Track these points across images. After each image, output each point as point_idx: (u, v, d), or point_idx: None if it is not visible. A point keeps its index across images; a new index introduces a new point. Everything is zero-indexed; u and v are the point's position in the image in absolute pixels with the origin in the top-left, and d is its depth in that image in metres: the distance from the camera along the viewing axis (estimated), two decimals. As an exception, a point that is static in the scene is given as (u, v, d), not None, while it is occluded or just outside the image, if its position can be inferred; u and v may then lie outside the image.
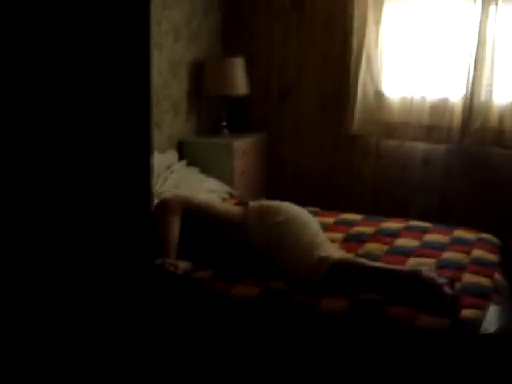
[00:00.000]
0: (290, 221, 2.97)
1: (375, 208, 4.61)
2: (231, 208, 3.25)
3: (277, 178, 5.05)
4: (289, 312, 2.61)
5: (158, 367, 2.74)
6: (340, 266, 2.69)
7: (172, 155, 4.40)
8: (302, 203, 3.34)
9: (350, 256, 2.88)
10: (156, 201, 3.34)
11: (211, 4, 4.84)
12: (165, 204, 3.07)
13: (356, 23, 4.48)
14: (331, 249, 2.91)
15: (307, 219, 3.08)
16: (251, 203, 3.19)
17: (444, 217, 4.27)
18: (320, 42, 4.75)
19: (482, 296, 2.62)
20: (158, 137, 4.34)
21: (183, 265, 2.82)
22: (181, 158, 4.52)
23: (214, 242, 3.01)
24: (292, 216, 3.02)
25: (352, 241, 3.26)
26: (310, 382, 2.56)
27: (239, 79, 4.60)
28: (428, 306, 2.47)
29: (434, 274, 2.59)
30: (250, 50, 4.94)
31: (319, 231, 3.05)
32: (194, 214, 3.06)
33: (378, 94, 4.55)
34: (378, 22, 4.41)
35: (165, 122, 4.42)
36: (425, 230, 3.45)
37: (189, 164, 4.46)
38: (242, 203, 3.53)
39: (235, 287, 2.74)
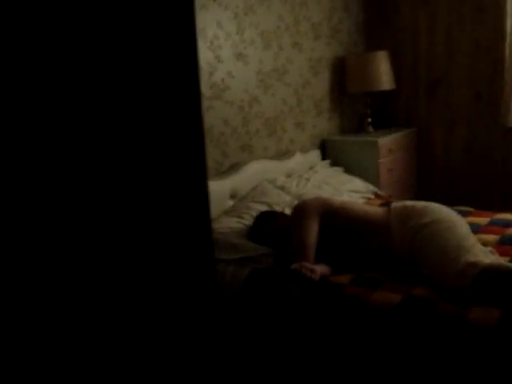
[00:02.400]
0: (437, 223, 2.76)
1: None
2: (373, 210, 3.10)
3: (427, 176, 4.79)
4: (434, 321, 2.42)
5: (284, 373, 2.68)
6: (491, 272, 2.44)
7: (315, 155, 4.32)
8: (455, 203, 3.12)
9: (502, 261, 2.62)
10: (296, 202, 3.28)
11: (352, -2, 4.70)
12: (303, 206, 3.00)
13: (509, 6, 4.13)
14: (482, 253, 2.66)
15: (455, 221, 2.84)
16: (394, 204, 3.01)
17: None
18: (470, 28, 4.43)
19: None
20: (301, 136, 4.29)
21: (321, 269, 2.73)
22: (324, 157, 4.44)
23: (353, 245, 2.88)
24: (438, 217, 2.80)
25: (507, 243, 2.98)
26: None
27: (384, 74, 4.41)
28: None
29: None
30: (394, 42, 4.74)
31: (469, 234, 2.80)
32: (334, 217, 2.95)
33: (538, 80, 4.16)
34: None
35: (307, 122, 4.35)
36: None
37: (332, 163, 4.36)
38: (385, 204, 3.36)
39: (376, 293, 2.59)
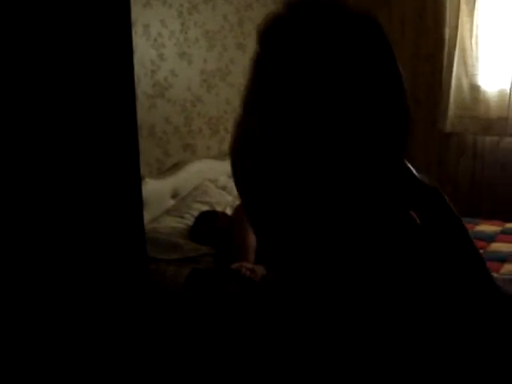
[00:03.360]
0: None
1: (473, 210, 4.35)
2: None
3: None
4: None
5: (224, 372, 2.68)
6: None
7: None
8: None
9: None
10: (237, 203, 3.29)
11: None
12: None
13: (448, 14, 4.25)
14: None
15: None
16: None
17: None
18: (411, 35, 4.54)
19: None
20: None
21: (261, 270, 2.74)
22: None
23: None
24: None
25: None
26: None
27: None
28: None
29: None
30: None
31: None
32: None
33: (474, 88, 4.29)
34: (471, 12, 4.16)
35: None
36: (524, 234, 3.19)
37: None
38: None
39: (315, 293, 2.62)
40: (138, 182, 1.32)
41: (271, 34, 0.79)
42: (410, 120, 0.85)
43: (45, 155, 1.15)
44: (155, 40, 3.44)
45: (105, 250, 1.31)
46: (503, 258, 2.86)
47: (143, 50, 3.32)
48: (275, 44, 0.78)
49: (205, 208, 3.37)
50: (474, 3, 4.14)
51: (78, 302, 1.26)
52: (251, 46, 3.57)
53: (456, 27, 4.22)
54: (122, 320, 1.36)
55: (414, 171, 0.95)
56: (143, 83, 3.34)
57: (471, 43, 4.21)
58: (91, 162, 1.25)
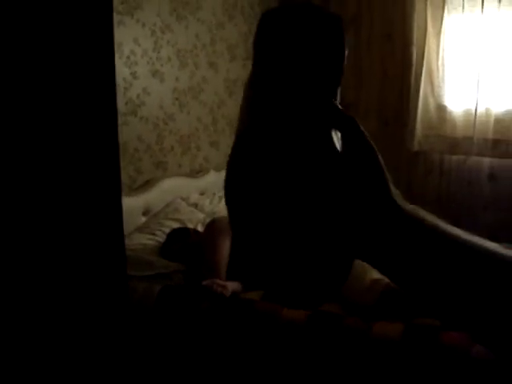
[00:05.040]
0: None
1: (439, 226, 4.43)
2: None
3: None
4: (340, 336, 2.50)
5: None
6: (394, 288, 2.56)
7: (228, 174, 4.37)
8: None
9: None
10: (209, 220, 3.31)
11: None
12: (216, 224, 3.03)
13: (415, 36, 4.36)
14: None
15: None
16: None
17: (514, 235, 4.05)
18: (378, 56, 4.64)
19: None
20: (215, 155, 4.34)
21: (232, 286, 2.76)
22: (237, 176, 4.50)
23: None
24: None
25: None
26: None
27: (296, 96, 4.53)
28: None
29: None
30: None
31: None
32: (245, 234, 3.00)
33: (440, 108, 4.40)
34: (438, 34, 4.28)
35: (222, 141, 4.41)
36: (489, 250, 3.26)
37: (245, 183, 4.42)
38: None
39: (285, 309, 2.65)
40: (118, 199, 1.34)
41: (268, 15, 1.18)
42: (339, 78, 1.22)
43: (23, 169, 1.17)
44: (128, 58, 3.46)
45: (84, 263, 1.32)
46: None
47: (116, 67, 3.34)
48: (269, 21, 1.19)
49: (176, 225, 3.38)
50: (441, 25, 4.25)
51: (52, 315, 1.27)
52: (223, 64, 3.65)
53: (423, 48, 4.34)
54: (97, 333, 1.37)
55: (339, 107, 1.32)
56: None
57: (438, 64, 4.33)
58: (72, 176, 1.27)
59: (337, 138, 1.36)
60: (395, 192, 1.30)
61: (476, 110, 4.22)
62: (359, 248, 1.20)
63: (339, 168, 1.28)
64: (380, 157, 1.32)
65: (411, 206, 1.31)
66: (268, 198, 1.26)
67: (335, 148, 1.31)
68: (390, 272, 1.19)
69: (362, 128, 1.30)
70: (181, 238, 3.11)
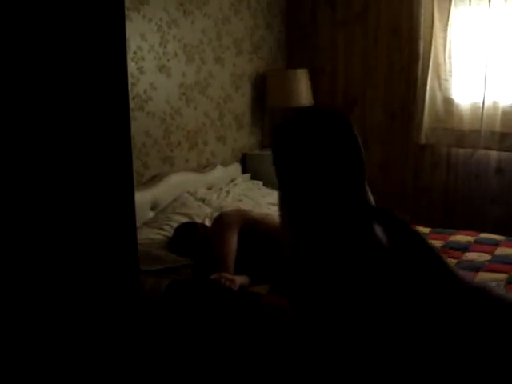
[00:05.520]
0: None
1: (447, 220, 4.43)
2: (291, 221, 3.17)
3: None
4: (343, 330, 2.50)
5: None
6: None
7: (235, 168, 4.38)
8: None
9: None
10: (216, 214, 3.32)
11: (273, 16, 4.82)
12: (224, 218, 3.04)
13: (422, 29, 4.35)
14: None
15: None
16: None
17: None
18: (385, 50, 4.63)
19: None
20: (222, 150, 4.34)
21: (240, 279, 2.77)
22: (244, 171, 4.50)
23: (271, 255, 2.94)
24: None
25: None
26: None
27: (303, 91, 4.53)
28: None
29: (502, 291, 2.43)
30: (313, 61, 4.88)
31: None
32: (253, 228, 3.01)
33: (447, 101, 4.39)
34: (445, 27, 4.26)
35: (228, 136, 4.41)
36: (496, 244, 3.27)
37: (252, 177, 4.43)
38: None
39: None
40: (131, 193, 1.35)
41: (279, 133, 1.34)
42: (363, 172, 1.38)
43: (37, 164, 1.18)
44: (135, 53, 3.47)
45: (96, 259, 1.33)
46: (477, 267, 2.92)
47: (122, 63, 3.35)
48: (283, 137, 1.35)
49: (184, 219, 3.39)
50: (448, 19, 4.24)
51: (64, 310, 1.28)
52: (229, 59, 3.66)
53: (430, 42, 4.32)
54: (109, 328, 1.39)
55: (371, 200, 1.53)
56: (123, 96, 3.36)
57: (444, 57, 4.31)
58: (85, 171, 1.28)
59: (380, 231, 1.49)
60: (457, 272, 1.40)
61: (483, 103, 4.20)
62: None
63: (391, 260, 1.36)
64: (428, 241, 1.43)
65: (477, 282, 1.45)
66: (331, 297, 1.38)
67: (381, 243, 1.42)
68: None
69: (401, 218, 1.47)
70: (188, 232, 3.12)
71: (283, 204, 1.43)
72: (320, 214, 1.36)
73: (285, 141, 1.35)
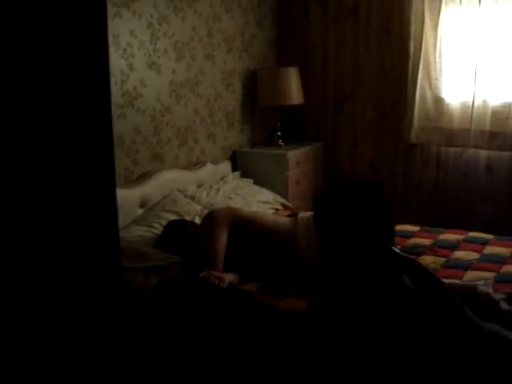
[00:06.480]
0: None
1: (436, 219, 4.45)
2: (280, 219, 3.18)
3: (334, 189, 4.94)
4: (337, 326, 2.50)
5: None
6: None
7: (225, 166, 4.38)
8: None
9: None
10: (206, 212, 3.31)
11: (264, 14, 4.81)
12: (213, 215, 3.03)
13: (413, 28, 4.36)
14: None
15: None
16: (301, 215, 3.10)
17: (511, 227, 4.06)
18: (376, 48, 4.64)
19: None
20: (212, 147, 4.33)
21: (229, 277, 2.76)
22: (234, 169, 4.50)
23: (261, 254, 2.94)
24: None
25: (407, 253, 3.12)
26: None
27: (294, 89, 4.53)
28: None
29: (490, 290, 2.44)
30: (304, 59, 4.88)
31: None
32: (243, 226, 3.00)
33: (438, 100, 4.40)
34: (435, 27, 4.28)
35: (218, 133, 4.40)
36: (485, 242, 3.28)
37: (242, 175, 4.42)
38: (292, 214, 3.45)
39: (283, 300, 2.66)
40: (112, 189, 1.34)
41: (319, 201, 1.55)
42: (393, 232, 1.65)
43: (19, 162, 1.17)
44: (125, 50, 3.46)
45: (79, 258, 1.32)
46: (466, 266, 2.93)
47: (113, 60, 3.33)
48: (322, 206, 1.60)
49: (173, 217, 3.38)
50: (438, 18, 4.25)
51: (46, 307, 1.28)
52: (220, 56, 3.66)
53: (420, 41, 4.33)
54: (93, 326, 1.38)
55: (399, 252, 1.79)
56: (112, 93, 3.34)
57: (435, 57, 4.32)
58: (66, 170, 1.27)
59: (407, 279, 1.81)
60: (473, 316, 1.71)
61: (473, 102, 4.22)
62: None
63: (416, 303, 1.64)
64: (447, 287, 1.68)
65: (491, 324, 1.75)
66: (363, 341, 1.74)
67: (409, 290, 1.75)
68: None
69: (423, 265, 1.69)
70: (178, 230, 3.11)
71: (324, 260, 1.87)
72: (358, 267, 1.75)
73: (327, 210, 1.74)
